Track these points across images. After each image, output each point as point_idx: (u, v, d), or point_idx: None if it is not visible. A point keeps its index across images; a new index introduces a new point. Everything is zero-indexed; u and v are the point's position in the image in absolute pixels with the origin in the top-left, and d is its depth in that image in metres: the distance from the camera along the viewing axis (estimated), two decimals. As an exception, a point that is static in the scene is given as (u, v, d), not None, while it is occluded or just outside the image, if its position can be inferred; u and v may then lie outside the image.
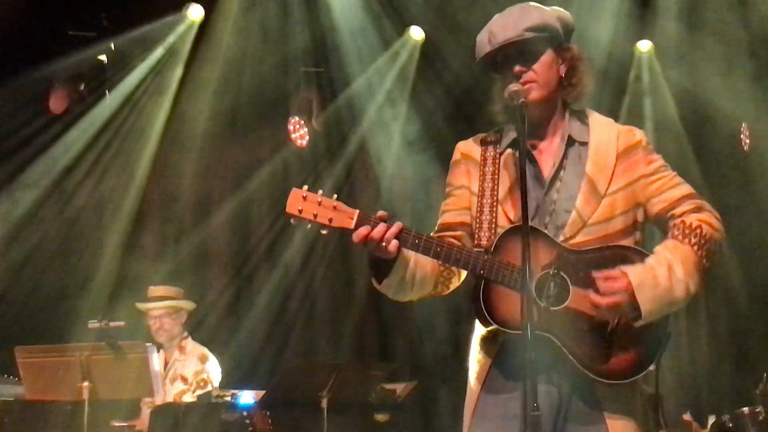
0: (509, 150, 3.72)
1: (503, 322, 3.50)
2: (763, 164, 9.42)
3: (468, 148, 3.82)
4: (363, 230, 3.42)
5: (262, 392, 6.56)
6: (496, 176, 3.70)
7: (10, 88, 7.73)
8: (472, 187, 3.75)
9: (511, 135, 3.71)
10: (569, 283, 3.52)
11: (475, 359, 3.72)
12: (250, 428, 5.87)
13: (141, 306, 7.33)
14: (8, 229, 8.01)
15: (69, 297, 8.06)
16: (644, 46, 9.38)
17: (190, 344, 7.33)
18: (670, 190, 3.68)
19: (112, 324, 6.45)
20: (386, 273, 3.56)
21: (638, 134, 3.74)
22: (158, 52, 8.38)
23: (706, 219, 3.61)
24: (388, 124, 9.13)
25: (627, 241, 3.64)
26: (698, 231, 3.58)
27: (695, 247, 3.56)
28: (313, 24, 8.64)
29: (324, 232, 3.48)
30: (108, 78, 8.29)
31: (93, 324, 6.47)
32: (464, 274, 3.73)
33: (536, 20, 3.67)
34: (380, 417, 7.08)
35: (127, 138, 8.41)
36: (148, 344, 6.52)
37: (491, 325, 3.53)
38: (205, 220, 8.71)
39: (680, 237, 3.59)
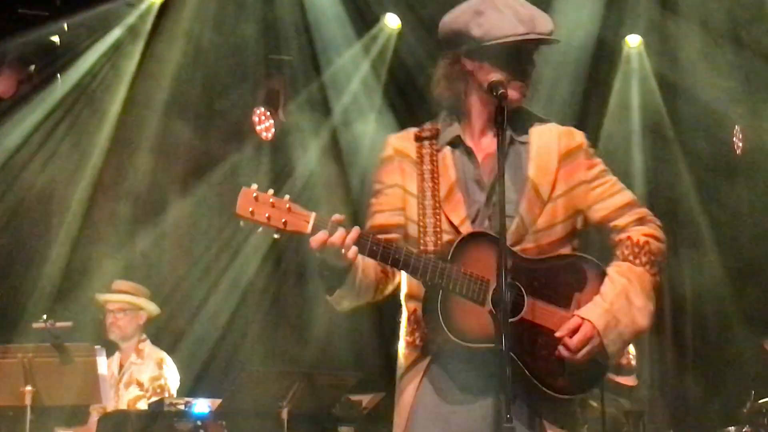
0: (448, 148, 3.64)
1: (462, 335, 3.41)
2: (755, 169, 9.47)
3: (402, 144, 3.69)
4: (321, 235, 3.28)
5: (218, 401, 6.46)
6: (436, 176, 3.60)
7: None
8: (408, 186, 3.63)
9: (452, 132, 3.64)
10: (524, 293, 3.48)
11: (405, 369, 3.65)
12: (205, 438, 5.78)
13: (99, 297, 7.20)
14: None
15: (12, 293, 7.90)
16: (633, 41, 9.38)
17: (148, 348, 7.17)
18: (611, 197, 3.67)
19: (58, 324, 6.31)
20: (340, 282, 3.46)
21: (579, 136, 3.70)
22: (115, 34, 8.24)
23: (652, 232, 3.63)
24: (362, 116, 9.03)
25: (566, 250, 3.62)
26: (647, 248, 3.61)
27: (647, 266, 3.58)
28: (281, 9, 8.54)
29: (276, 236, 3.34)
30: (60, 60, 8.15)
31: (38, 324, 6.33)
32: (397, 280, 3.67)
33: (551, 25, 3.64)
34: (344, 430, 7.10)
35: (80, 125, 8.28)
36: (96, 347, 6.38)
37: (447, 336, 3.42)
38: (161, 216, 8.57)
39: (631, 257, 3.60)
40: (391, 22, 8.95)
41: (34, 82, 8.12)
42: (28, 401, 6.19)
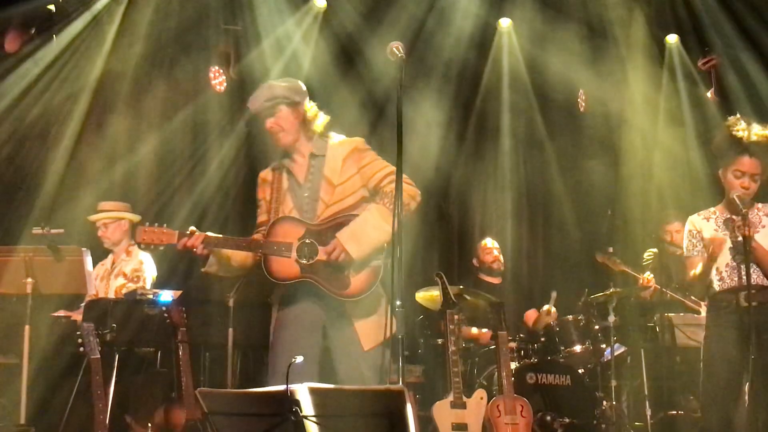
0: (285, 172, 4.74)
1: (279, 278, 4.56)
2: (594, 122, 9.63)
3: (265, 175, 4.82)
4: (182, 242, 4.49)
5: (179, 292, 6.46)
6: (277, 187, 4.71)
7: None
8: (267, 197, 4.76)
9: (285, 164, 4.75)
10: (317, 245, 4.52)
11: (275, 294, 4.77)
12: (168, 321, 5.75)
13: (89, 218, 7.15)
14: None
15: (18, 206, 7.81)
16: (505, 23, 9.39)
17: (136, 250, 7.11)
18: (378, 172, 4.66)
19: (53, 230, 6.29)
20: (204, 263, 4.65)
21: (355, 142, 4.74)
22: (101, 2, 8.09)
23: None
24: (297, 78, 8.87)
25: (359, 210, 4.59)
26: (390, 194, 4.54)
27: (387, 204, 4.52)
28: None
29: (161, 248, 4.53)
30: (55, 24, 7.99)
31: (36, 230, 6.31)
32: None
33: (267, 95, 4.68)
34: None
35: (71, 73, 8.08)
36: (83, 248, 6.37)
37: (273, 280, 4.57)
38: (135, 148, 8.44)
39: (378, 200, 4.59)
40: (320, 1, 8.85)
41: (34, 41, 7.95)
42: (28, 290, 6.21)
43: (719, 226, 5.16)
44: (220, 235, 4.53)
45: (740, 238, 4.94)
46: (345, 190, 4.60)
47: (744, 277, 4.91)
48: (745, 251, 4.90)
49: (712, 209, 5.27)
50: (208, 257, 4.58)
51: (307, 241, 4.51)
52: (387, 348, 4.41)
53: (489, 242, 8.09)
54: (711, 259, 5.03)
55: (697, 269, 5.12)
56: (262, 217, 4.77)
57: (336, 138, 4.75)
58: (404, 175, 4.35)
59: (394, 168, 4.51)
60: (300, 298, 4.59)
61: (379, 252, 4.56)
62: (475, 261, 8.08)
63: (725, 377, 5.00)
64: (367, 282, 4.55)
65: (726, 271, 5.08)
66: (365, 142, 4.78)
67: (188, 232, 4.48)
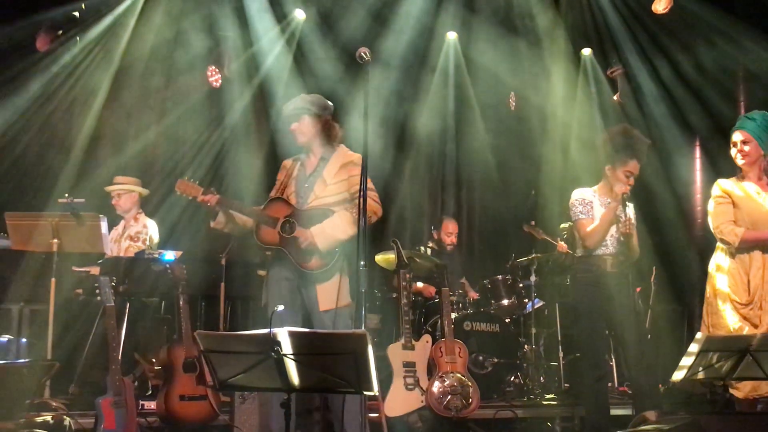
0: (299, 162, 4.91)
1: (262, 241, 4.75)
2: (522, 119, 9.68)
3: (286, 163, 4.98)
4: (202, 197, 4.66)
5: (180, 252, 6.46)
6: (291, 173, 4.89)
7: (7, 31, 7.31)
8: (282, 179, 4.94)
9: (300, 158, 4.93)
10: (297, 224, 4.69)
11: (270, 257, 4.90)
12: (171, 276, 5.70)
13: (106, 189, 7.09)
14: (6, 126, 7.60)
15: (46, 178, 7.69)
16: (451, 35, 9.37)
17: (142, 216, 7.06)
18: (356, 184, 4.65)
19: (75, 200, 6.25)
20: (214, 218, 4.78)
21: (354, 157, 4.81)
22: (117, 11, 7.95)
23: (369, 201, 4.45)
24: (277, 74, 8.80)
25: (338, 207, 4.74)
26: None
27: (354, 213, 4.64)
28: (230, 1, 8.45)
29: (191, 199, 4.68)
30: (79, 27, 7.85)
31: (62, 199, 6.26)
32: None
33: (298, 104, 4.84)
34: (261, 272, 7.03)
35: (90, 68, 7.96)
36: (100, 215, 6.31)
37: (258, 242, 4.76)
38: (146, 130, 8.31)
39: (350, 207, 4.72)
40: (299, 15, 8.76)
41: (61, 41, 7.81)
42: (55, 249, 6.15)
43: (603, 205, 5.23)
44: (230, 199, 4.74)
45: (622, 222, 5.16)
46: (333, 190, 4.76)
47: (616, 247, 5.20)
48: (626, 232, 5.15)
49: (591, 190, 5.33)
50: (217, 215, 4.74)
51: (291, 220, 4.69)
52: (338, 315, 4.69)
53: (452, 226, 7.87)
54: (611, 224, 5.18)
55: (593, 224, 5.18)
56: (273, 193, 4.93)
57: (342, 149, 4.87)
58: (374, 193, 4.69)
59: (371, 187, 4.70)
60: (283, 263, 4.76)
61: (339, 245, 4.75)
62: (435, 233, 7.97)
63: (599, 328, 5.18)
64: (324, 262, 4.72)
65: (610, 240, 5.19)
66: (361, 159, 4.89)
67: (211, 190, 4.68)
